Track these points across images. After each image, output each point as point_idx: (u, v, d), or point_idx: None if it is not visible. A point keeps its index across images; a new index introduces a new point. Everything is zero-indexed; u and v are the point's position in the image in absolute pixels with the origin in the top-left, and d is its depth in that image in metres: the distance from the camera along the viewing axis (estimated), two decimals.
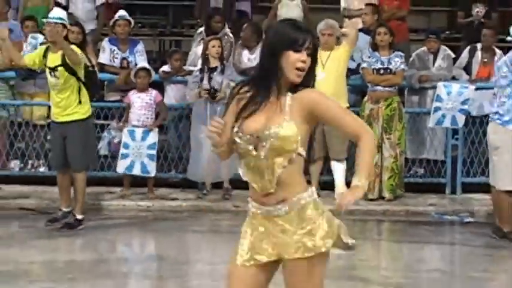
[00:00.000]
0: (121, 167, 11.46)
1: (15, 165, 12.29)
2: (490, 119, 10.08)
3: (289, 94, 4.17)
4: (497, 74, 10.03)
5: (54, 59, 9.90)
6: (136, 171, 11.43)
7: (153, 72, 11.82)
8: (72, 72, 9.86)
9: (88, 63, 10.17)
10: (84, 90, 10.02)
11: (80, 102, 9.98)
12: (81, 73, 9.95)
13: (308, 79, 4.20)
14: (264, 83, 4.18)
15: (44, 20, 10.41)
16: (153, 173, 11.54)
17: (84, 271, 8.63)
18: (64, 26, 10.11)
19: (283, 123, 4.12)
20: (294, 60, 4.07)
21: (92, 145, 10.61)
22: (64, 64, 9.82)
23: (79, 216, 10.11)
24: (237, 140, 4.20)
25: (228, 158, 4.47)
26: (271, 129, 4.11)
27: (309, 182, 4.36)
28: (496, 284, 8.53)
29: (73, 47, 9.95)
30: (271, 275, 4.39)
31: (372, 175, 3.58)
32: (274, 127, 4.11)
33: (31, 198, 11.45)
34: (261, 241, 4.29)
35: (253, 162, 4.20)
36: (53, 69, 9.90)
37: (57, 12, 10.27)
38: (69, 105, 9.96)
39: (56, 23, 9.94)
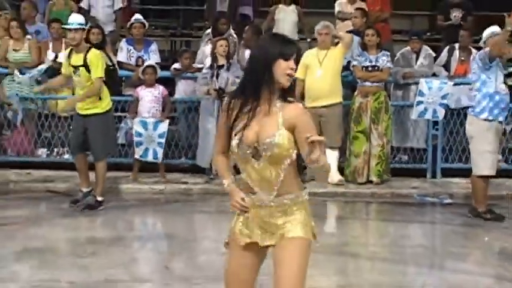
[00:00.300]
0: (137, 154, 11.52)
1: (42, 152, 12.36)
2: (467, 112, 10.15)
3: (278, 104, 4.25)
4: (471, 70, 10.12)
5: (76, 59, 9.95)
6: (150, 157, 11.50)
7: (158, 70, 11.84)
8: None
9: (109, 63, 10.21)
10: (103, 87, 10.05)
11: (100, 98, 10.03)
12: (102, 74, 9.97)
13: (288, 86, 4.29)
14: (255, 88, 4.24)
15: (66, 27, 10.44)
16: (161, 159, 11.61)
17: (104, 247, 8.69)
18: (83, 29, 10.21)
19: (278, 132, 4.19)
20: (285, 67, 4.19)
21: (112, 136, 10.61)
22: (85, 65, 9.86)
23: (99, 198, 10.20)
24: (239, 151, 4.26)
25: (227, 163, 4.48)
26: (268, 140, 4.18)
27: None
28: (471, 258, 8.57)
29: (94, 50, 10.01)
30: (261, 258, 4.44)
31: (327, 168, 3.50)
32: (271, 137, 4.18)
33: (56, 182, 11.50)
34: (252, 226, 4.34)
35: (254, 171, 4.28)
36: (76, 68, 9.94)
37: (75, 18, 10.22)
38: (90, 100, 10.00)
39: (76, 29, 9.98)
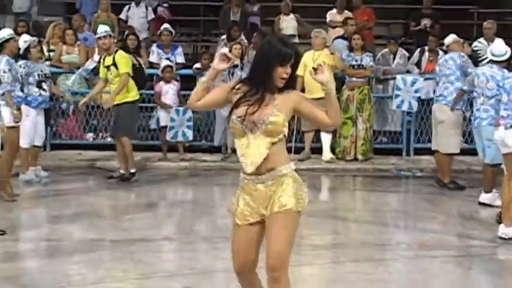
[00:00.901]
0: (168, 136, 11.53)
1: (90, 136, 12.39)
2: (435, 101, 10.16)
3: (277, 94, 4.20)
4: (442, 67, 10.07)
5: (108, 60, 10.06)
6: (179, 138, 11.52)
7: (174, 68, 11.84)
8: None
9: (135, 62, 10.22)
10: (130, 82, 10.05)
11: (127, 89, 10.03)
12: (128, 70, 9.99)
13: (291, 81, 4.25)
14: (258, 86, 4.18)
15: (96, 37, 10.56)
16: (191, 138, 11.62)
17: (139, 212, 8.74)
18: (110, 36, 10.32)
19: (274, 113, 4.14)
20: (280, 73, 4.15)
21: (134, 121, 10.55)
22: (114, 64, 9.96)
23: (132, 170, 10.18)
24: (239, 125, 4.17)
25: (200, 98, 4.32)
26: (265, 117, 4.13)
27: (289, 151, 4.50)
28: (438, 220, 8.56)
29: (120, 51, 10.12)
30: (262, 232, 4.24)
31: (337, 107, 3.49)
32: (267, 115, 4.13)
33: (101, 160, 11.53)
34: (250, 206, 4.22)
35: (248, 141, 4.17)
36: (108, 68, 10.03)
37: (103, 28, 10.42)
38: (125, 91, 10.03)
39: (104, 36, 10.14)
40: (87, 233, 7.67)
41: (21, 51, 9.59)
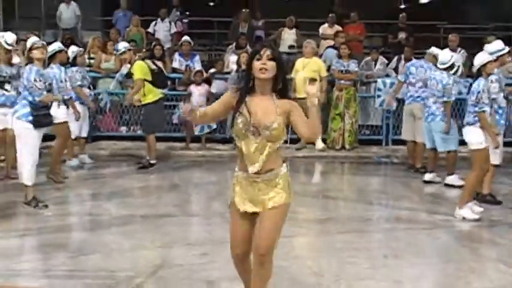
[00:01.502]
0: (196, 131, 11.56)
1: (123, 129, 12.41)
2: (413, 101, 10.08)
3: (275, 99, 3.95)
4: (419, 73, 9.97)
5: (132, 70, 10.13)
6: (205, 130, 11.55)
7: (204, 73, 11.86)
8: None
9: (154, 67, 10.17)
10: (147, 86, 9.98)
11: (144, 93, 10.01)
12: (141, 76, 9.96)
13: (278, 81, 3.95)
14: (246, 82, 3.97)
15: (118, 54, 10.62)
16: (215, 126, 11.58)
17: (165, 192, 8.76)
18: (129, 50, 10.46)
19: (276, 120, 3.89)
20: (257, 66, 3.86)
21: (158, 118, 10.38)
22: (132, 72, 10.07)
23: (152, 161, 10.18)
24: (242, 128, 3.91)
25: (202, 123, 4.21)
26: (269, 124, 3.88)
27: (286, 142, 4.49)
28: (411, 198, 8.56)
29: (137, 62, 10.10)
30: (254, 222, 4.05)
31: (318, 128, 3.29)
32: (271, 122, 3.88)
33: (132, 150, 11.54)
34: (245, 199, 4.04)
35: (251, 143, 3.91)
36: (132, 75, 10.15)
37: (123, 45, 10.57)
38: (142, 95, 10.04)
39: (124, 52, 10.36)
40: (121, 209, 7.69)
41: (70, 60, 9.74)
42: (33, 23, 15.24)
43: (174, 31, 14.29)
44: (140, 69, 9.96)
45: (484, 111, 7.16)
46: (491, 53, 7.46)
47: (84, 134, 10.39)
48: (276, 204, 3.96)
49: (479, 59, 7.34)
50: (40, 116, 7.38)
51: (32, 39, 7.74)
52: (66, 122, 8.90)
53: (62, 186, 8.75)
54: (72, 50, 10.06)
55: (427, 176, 9.36)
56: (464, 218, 7.24)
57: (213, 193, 8.72)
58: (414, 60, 10.49)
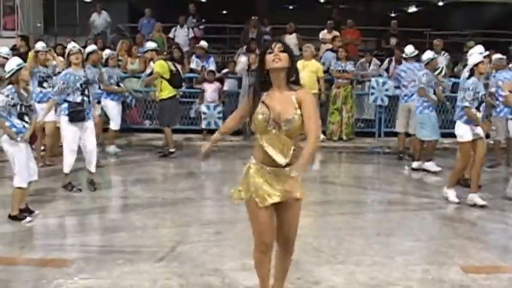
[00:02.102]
0: (203, 124, 11.49)
1: (146, 122, 12.38)
2: (408, 99, 9.85)
3: (292, 91, 3.60)
4: (412, 75, 9.72)
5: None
6: (212, 126, 11.40)
7: (217, 73, 11.81)
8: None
9: (173, 69, 10.13)
10: (163, 83, 9.95)
11: (160, 90, 10.01)
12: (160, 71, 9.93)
13: (292, 71, 3.63)
14: (259, 77, 3.65)
15: (143, 51, 10.63)
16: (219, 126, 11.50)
17: (183, 178, 8.74)
18: (152, 50, 10.56)
19: (296, 114, 3.55)
20: (269, 59, 3.54)
21: (173, 112, 10.24)
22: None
23: (171, 150, 10.11)
24: (263, 123, 3.57)
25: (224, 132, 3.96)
26: (290, 117, 3.53)
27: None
28: (401, 183, 8.53)
29: (158, 61, 10.07)
30: (274, 211, 3.75)
31: (308, 161, 2.95)
32: (291, 116, 3.53)
33: (155, 141, 11.50)
34: (269, 191, 3.66)
35: (274, 138, 3.57)
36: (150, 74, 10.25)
37: (149, 45, 10.64)
38: (158, 91, 10.09)
39: (150, 51, 10.44)
40: (144, 193, 7.68)
41: (103, 61, 9.83)
42: (69, 30, 15.31)
43: (192, 36, 14.25)
44: (161, 66, 9.96)
45: (467, 107, 7.02)
46: (480, 53, 7.36)
47: (116, 127, 10.37)
48: (299, 196, 3.69)
49: (473, 59, 7.14)
50: (74, 113, 7.36)
51: (70, 46, 7.69)
52: (54, 122, 8.73)
53: (96, 171, 8.73)
54: (106, 52, 10.22)
55: (415, 164, 9.31)
56: (447, 199, 7.22)
57: (224, 179, 8.70)
58: (402, 65, 10.34)
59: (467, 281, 4.76)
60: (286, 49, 3.59)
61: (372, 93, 11.90)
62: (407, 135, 10.08)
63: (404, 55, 10.08)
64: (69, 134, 7.40)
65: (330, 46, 13.24)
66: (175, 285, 4.60)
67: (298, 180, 3.51)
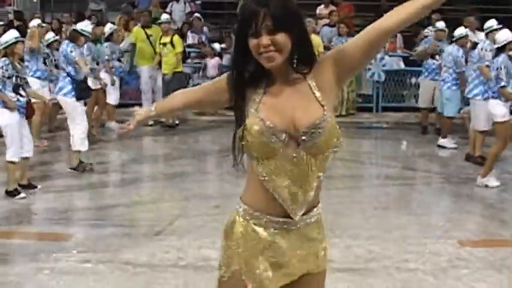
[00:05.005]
0: None
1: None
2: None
3: (306, 75, 2.00)
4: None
5: (164, 39, 10.07)
6: None
7: (217, 48, 11.70)
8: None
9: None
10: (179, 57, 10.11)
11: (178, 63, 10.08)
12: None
13: (300, 49, 1.99)
14: (244, 70, 2.04)
15: (159, 22, 10.52)
16: None
17: (181, 152, 8.70)
18: (169, 22, 10.45)
19: (325, 114, 1.96)
20: (255, 48, 1.93)
21: (183, 86, 10.29)
22: (171, 43, 9.97)
23: (177, 121, 10.20)
24: (263, 139, 1.97)
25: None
26: (317, 122, 1.95)
27: None
28: (399, 158, 8.45)
29: (176, 35, 10.17)
30: None
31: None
32: (318, 120, 1.95)
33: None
34: (269, 267, 2.06)
35: (284, 164, 1.97)
36: (164, 45, 10.04)
37: (165, 16, 10.50)
38: (173, 65, 10.07)
39: (165, 22, 10.24)
40: (144, 167, 7.68)
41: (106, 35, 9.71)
42: (66, 5, 15.14)
43: (188, 11, 14.13)
44: (181, 43, 10.21)
45: (504, 87, 6.50)
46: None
47: (114, 102, 10.26)
48: (323, 263, 2.15)
49: (504, 36, 6.69)
50: (82, 90, 7.22)
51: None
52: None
53: (96, 147, 8.66)
54: (110, 27, 9.97)
55: (441, 141, 8.82)
56: (486, 186, 6.60)
57: (222, 153, 8.64)
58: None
59: (464, 254, 4.76)
60: (282, 19, 1.93)
61: (369, 69, 11.80)
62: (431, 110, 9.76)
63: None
64: (79, 110, 7.14)
65: (327, 21, 13.13)
66: (173, 258, 4.60)
67: (325, 245, 2.16)
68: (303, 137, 1.96)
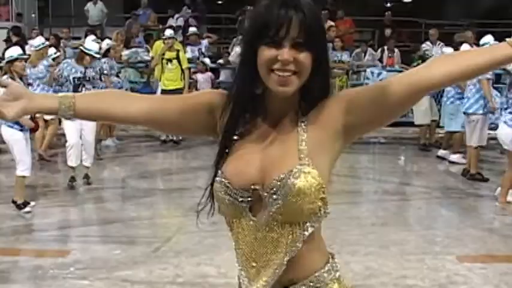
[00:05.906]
0: None
1: None
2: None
3: (303, 116, 1.56)
4: None
5: (169, 55, 9.99)
6: None
7: (208, 64, 11.67)
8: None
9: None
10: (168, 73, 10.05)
11: (180, 80, 10.04)
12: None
13: (315, 86, 1.55)
14: (245, 94, 1.54)
15: (163, 37, 10.48)
16: None
17: (178, 167, 8.72)
18: (174, 37, 10.41)
19: (298, 164, 1.49)
20: (266, 59, 1.45)
21: None
22: (177, 59, 9.94)
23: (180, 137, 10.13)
24: (226, 194, 1.59)
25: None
26: (282, 177, 1.48)
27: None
28: (396, 174, 8.51)
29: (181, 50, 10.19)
30: None
31: None
32: (286, 171, 1.48)
33: (151, 131, 11.38)
34: None
35: (251, 234, 1.58)
36: (169, 60, 9.97)
37: (169, 31, 10.37)
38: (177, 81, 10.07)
39: (169, 38, 10.15)
40: (141, 183, 7.67)
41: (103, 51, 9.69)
42: (64, 20, 15.21)
43: (184, 24, 14.22)
44: (186, 59, 10.23)
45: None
46: None
47: None
48: None
49: None
50: None
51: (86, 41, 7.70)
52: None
53: (95, 162, 8.65)
54: (107, 42, 10.00)
55: (441, 152, 8.89)
56: (509, 202, 6.42)
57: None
58: None
59: (463, 271, 4.76)
60: (315, 34, 1.48)
61: (367, 84, 11.89)
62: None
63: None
64: (68, 127, 7.20)
65: None
66: (171, 275, 4.60)
67: None
68: (270, 196, 1.49)
